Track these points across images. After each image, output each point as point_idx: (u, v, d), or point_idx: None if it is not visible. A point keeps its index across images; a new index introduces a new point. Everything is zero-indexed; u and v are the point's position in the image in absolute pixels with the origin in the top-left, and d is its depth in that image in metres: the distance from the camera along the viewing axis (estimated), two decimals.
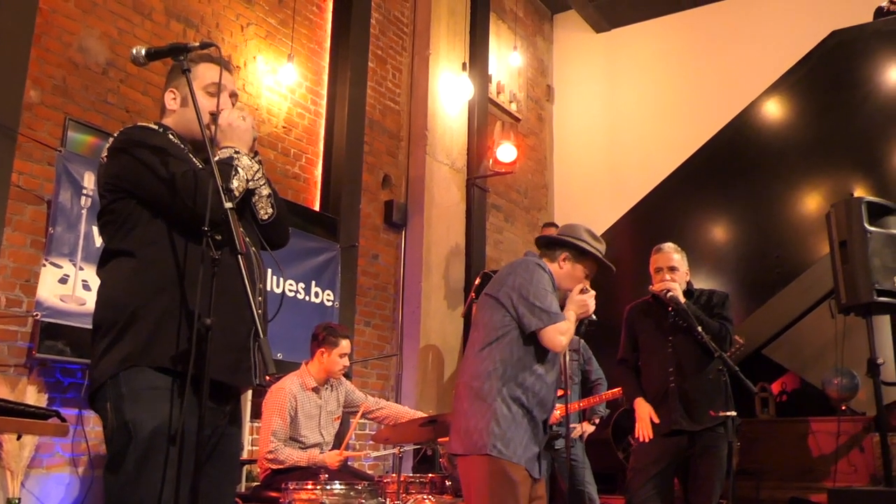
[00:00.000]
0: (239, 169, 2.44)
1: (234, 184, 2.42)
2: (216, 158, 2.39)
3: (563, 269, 3.56)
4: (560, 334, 3.35)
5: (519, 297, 3.37)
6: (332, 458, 4.71)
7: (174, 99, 2.62)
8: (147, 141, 2.44)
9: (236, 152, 2.48)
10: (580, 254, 3.56)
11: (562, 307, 3.48)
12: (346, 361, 4.97)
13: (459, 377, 3.49)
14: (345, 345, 4.94)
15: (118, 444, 2.25)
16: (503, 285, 3.46)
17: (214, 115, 2.53)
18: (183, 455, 2.25)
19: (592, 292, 3.53)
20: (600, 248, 3.60)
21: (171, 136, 2.56)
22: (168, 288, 2.35)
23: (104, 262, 2.46)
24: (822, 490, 5.31)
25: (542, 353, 3.40)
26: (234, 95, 2.68)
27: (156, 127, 2.57)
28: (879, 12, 7.32)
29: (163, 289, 2.35)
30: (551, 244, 3.62)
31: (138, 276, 2.36)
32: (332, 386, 5.03)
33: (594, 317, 3.55)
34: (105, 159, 2.46)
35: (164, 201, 2.37)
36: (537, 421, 3.37)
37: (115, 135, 2.49)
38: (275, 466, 4.66)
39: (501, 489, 3.20)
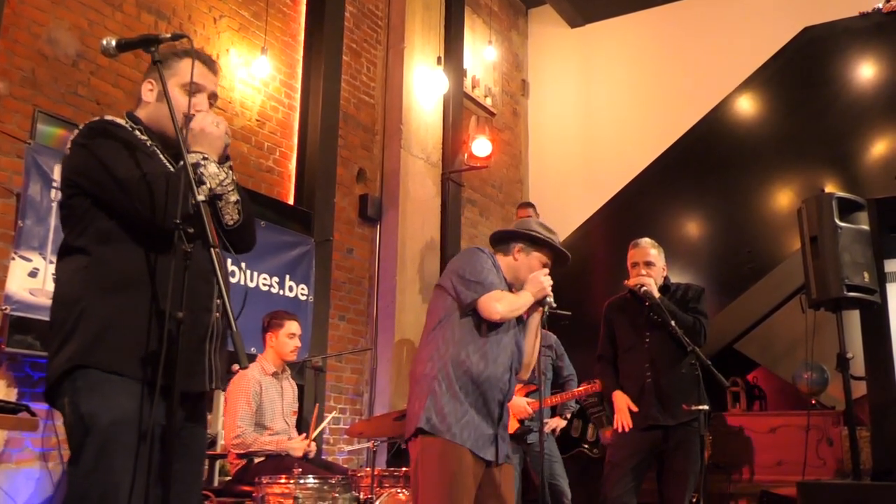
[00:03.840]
0: (203, 177, 2.39)
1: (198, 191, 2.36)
2: (181, 163, 2.34)
3: (518, 260, 3.54)
4: (495, 301, 3.32)
5: (457, 277, 3.40)
6: (297, 444, 4.74)
7: (151, 91, 2.56)
8: (110, 136, 2.39)
9: (204, 158, 2.42)
10: (533, 243, 3.55)
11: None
12: (296, 342, 5.01)
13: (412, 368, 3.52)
14: (290, 325, 4.98)
15: (77, 437, 2.23)
16: (446, 273, 3.50)
17: (188, 117, 2.47)
18: (141, 448, 2.23)
19: (545, 271, 3.52)
20: (554, 237, 3.60)
21: (138, 133, 2.50)
22: (120, 287, 2.31)
23: (60, 257, 2.44)
24: (792, 483, 5.36)
25: (486, 332, 3.36)
26: (213, 96, 2.63)
27: (123, 122, 2.51)
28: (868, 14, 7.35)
29: (115, 288, 2.31)
30: (504, 239, 3.62)
31: (90, 274, 2.33)
32: (288, 376, 5.05)
33: (553, 302, 3.51)
34: (68, 151, 2.42)
35: (118, 203, 2.33)
36: (488, 399, 3.31)
37: (80, 127, 2.45)
38: (241, 451, 4.66)
39: (438, 474, 3.15)
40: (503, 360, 3.41)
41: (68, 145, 2.43)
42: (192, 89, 2.52)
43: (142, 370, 2.24)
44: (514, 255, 3.55)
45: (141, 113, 2.57)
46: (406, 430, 3.35)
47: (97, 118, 2.50)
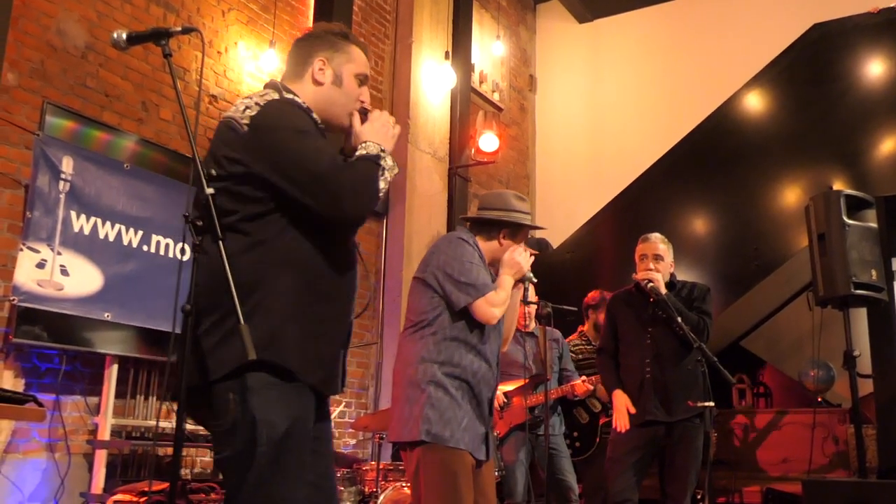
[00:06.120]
0: (385, 170, 2.33)
1: (381, 185, 2.31)
2: (364, 153, 2.33)
3: (503, 245, 3.46)
4: (491, 306, 3.25)
5: (444, 276, 3.28)
6: None
7: (322, 71, 2.44)
8: (300, 125, 2.28)
9: (382, 150, 2.37)
10: (518, 227, 3.50)
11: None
12: None
13: (395, 363, 3.40)
14: None
15: (248, 442, 2.12)
16: (428, 266, 3.37)
17: (366, 111, 2.44)
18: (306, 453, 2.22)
19: (520, 247, 3.45)
20: (528, 208, 3.56)
21: (314, 118, 2.39)
22: (289, 284, 2.22)
23: (217, 239, 2.20)
24: (797, 481, 5.36)
25: (477, 329, 3.30)
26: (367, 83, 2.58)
27: (305, 107, 2.38)
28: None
29: (285, 284, 2.22)
30: (488, 223, 3.50)
31: (264, 264, 2.22)
32: None
33: (533, 277, 3.48)
34: (245, 128, 2.23)
35: (309, 192, 2.20)
36: (481, 399, 3.28)
37: (263, 105, 2.26)
38: None
39: (442, 481, 3.11)
40: (493, 355, 3.38)
41: (245, 121, 2.24)
42: (365, 80, 2.49)
43: (311, 373, 2.20)
44: (499, 240, 3.47)
45: (304, 91, 2.43)
46: (396, 434, 3.24)
47: (279, 100, 2.33)
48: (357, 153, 2.34)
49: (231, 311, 2.10)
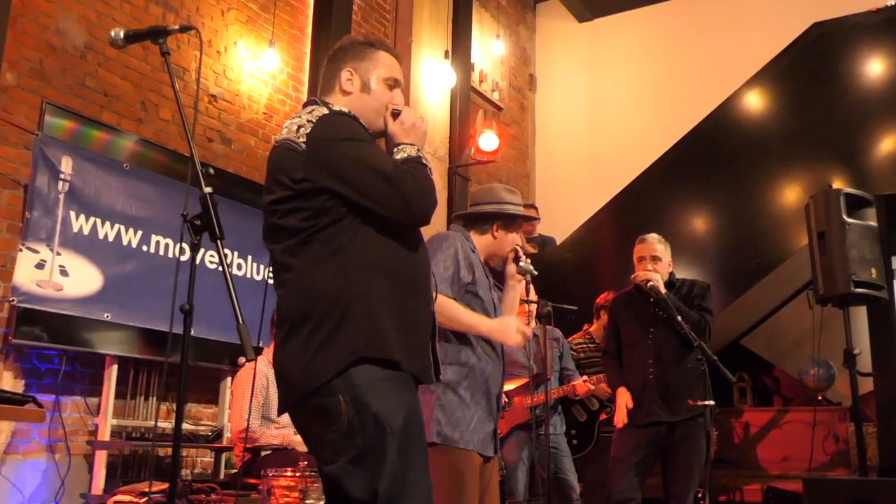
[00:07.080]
0: (429, 169, 2.40)
1: None
2: (405, 155, 2.38)
3: (497, 238, 3.45)
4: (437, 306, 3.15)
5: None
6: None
7: (350, 80, 2.48)
8: (356, 134, 2.33)
9: (418, 150, 2.42)
10: (511, 219, 3.47)
11: (501, 273, 3.44)
12: None
13: None
14: None
15: (374, 437, 2.13)
16: None
17: (397, 112, 2.46)
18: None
19: (522, 327, 3.28)
20: (519, 200, 3.56)
21: (363, 124, 2.41)
22: (374, 282, 2.26)
23: (297, 250, 2.28)
24: (798, 479, 5.36)
25: None
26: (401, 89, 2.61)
27: (353, 115, 2.40)
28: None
29: (370, 283, 2.25)
30: (480, 218, 3.50)
31: (347, 268, 2.25)
32: None
33: (534, 270, 3.41)
34: (303, 146, 2.26)
35: (379, 200, 2.27)
36: (490, 396, 3.29)
37: (315, 121, 2.30)
38: (248, 445, 4.66)
39: (448, 480, 3.11)
40: (498, 351, 3.38)
41: (302, 139, 2.27)
42: (395, 84, 2.52)
43: (412, 363, 2.26)
44: (493, 233, 3.46)
45: (337, 103, 2.45)
46: None
47: (328, 112, 2.36)
48: (395, 156, 2.39)
49: (324, 318, 2.17)
